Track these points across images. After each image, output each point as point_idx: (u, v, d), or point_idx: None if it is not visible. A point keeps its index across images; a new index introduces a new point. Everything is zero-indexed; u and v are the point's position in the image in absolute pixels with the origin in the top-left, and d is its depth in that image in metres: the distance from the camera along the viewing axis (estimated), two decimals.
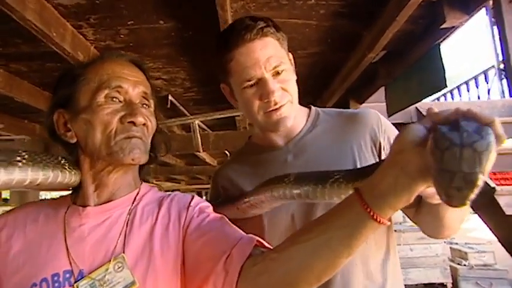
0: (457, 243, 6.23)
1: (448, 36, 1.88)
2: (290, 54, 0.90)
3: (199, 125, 3.27)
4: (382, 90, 2.59)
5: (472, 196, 0.40)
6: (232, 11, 1.51)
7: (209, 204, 0.79)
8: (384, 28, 1.57)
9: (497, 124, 0.42)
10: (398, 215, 6.67)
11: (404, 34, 1.91)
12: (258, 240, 0.65)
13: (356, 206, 0.51)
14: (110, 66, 0.73)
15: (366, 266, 0.85)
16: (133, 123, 0.69)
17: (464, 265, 5.40)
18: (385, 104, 2.58)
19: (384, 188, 0.49)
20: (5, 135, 3.51)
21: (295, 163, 0.90)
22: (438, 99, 6.24)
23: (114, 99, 0.70)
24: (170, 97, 2.76)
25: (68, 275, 0.65)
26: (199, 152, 2.92)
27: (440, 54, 1.89)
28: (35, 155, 0.63)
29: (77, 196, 0.75)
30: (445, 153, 0.40)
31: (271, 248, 0.64)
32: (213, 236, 0.67)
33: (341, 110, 0.99)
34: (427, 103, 4.24)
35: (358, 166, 0.87)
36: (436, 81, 1.90)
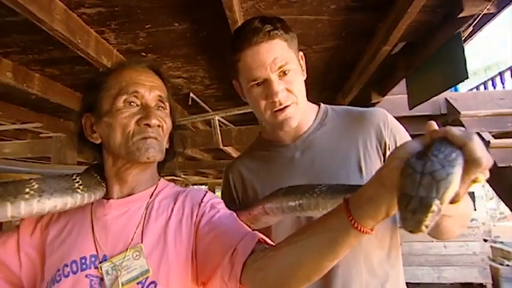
0: (502, 242, 5.90)
1: (482, 23, 1.76)
2: (300, 53, 0.91)
3: (221, 121, 3.35)
4: (405, 82, 2.52)
5: (427, 222, 0.39)
6: (243, 10, 1.54)
7: (221, 200, 0.83)
8: (396, 20, 1.54)
9: (471, 147, 0.42)
10: None
11: (422, 24, 1.86)
12: (261, 237, 0.69)
13: (342, 213, 0.53)
14: (128, 73, 0.79)
15: (368, 261, 0.85)
16: (148, 125, 0.75)
17: (507, 265, 5.12)
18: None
19: (366, 199, 0.51)
20: (45, 133, 3.80)
21: (302, 160, 0.92)
22: (477, 88, 5.87)
23: (132, 103, 0.76)
24: (191, 94, 2.86)
25: (93, 259, 0.73)
26: (219, 147, 3.00)
27: (461, 43, 1.82)
28: (85, 179, 0.75)
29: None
30: (407, 179, 0.42)
31: (273, 244, 0.68)
32: (221, 231, 0.72)
33: (350, 108, 0.99)
34: (459, 93, 4.04)
35: (363, 164, 0.87)
36: (457, 72, 1.83)
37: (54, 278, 0.72)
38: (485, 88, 5.69)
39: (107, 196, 0.81)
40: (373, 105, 2.94)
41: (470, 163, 0.42)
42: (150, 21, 1.62)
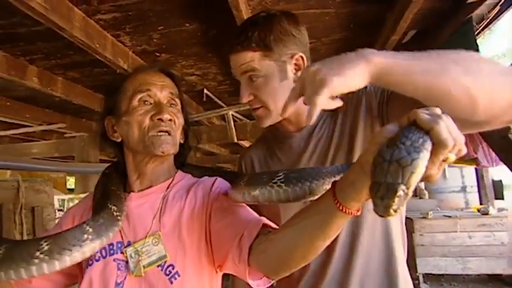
0: None
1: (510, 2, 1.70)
2: (296, 56, 0.89)
3: (236, 116, 3.42)
4: None
5: (394, 206, 0.42)
6: (250, 8, 1.59)
7: (229, 185, 0.87)
8: (403, 10, 1.54)
9: (436, 130, 0.44)
10: (460, 201, 6.16)
11: (432, 12, 1.84)
12: (265, 222, 0.75)
13: (329, 196, 0.57)
14: (142, 76, 0.88)
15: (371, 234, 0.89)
16: (161, 119, 0.83)
17: None
18: None
19: (348, 183, 0.55)
20: (69, 133, 3.99)
21: (306, 149, 0.95)
22: None
23: (146, 102, 0.84)
24: (205, 91, 2.94)
25: (119, 245, 0.82)
26: (234, 141, 3.07)
27: (473, 29, 1.80)
28: (97, 224, 0.72)
29: (126, 184, 0.92)
30: (377, 168, 0.45)
31: (277, 228, 0.74)
32: (230, 219, 0.78)
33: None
34: None
35: (358, 145, 0.88)
36: None
37: (88, 263, 0.82)
38: None
39: (129, 189, 0.90)
40: None
41: (437, 145, 0.44)
42: (162, 23, 1.69)
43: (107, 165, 0.99)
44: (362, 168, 0.52)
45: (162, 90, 0.86)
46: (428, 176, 0.46)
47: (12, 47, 1.84)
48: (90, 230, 0.68)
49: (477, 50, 1.77)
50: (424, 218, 5.03)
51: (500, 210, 5.61)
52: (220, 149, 6.06)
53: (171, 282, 0.77)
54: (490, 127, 0.62)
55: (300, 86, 0.62)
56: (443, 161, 0.46)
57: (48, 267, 0.63)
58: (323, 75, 0.57)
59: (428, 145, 0.44)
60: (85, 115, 3.56)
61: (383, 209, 0.43)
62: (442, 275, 5.09)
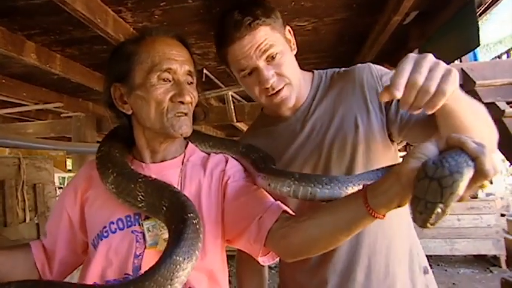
0: None
1: None
2: (287, 27, 0.91)
3: (235, 97, 3.41)
4: (418, 52, 2.50)
5: (431, 221, 0.47)
6: None
7: (241, 168, 0.90)
8: None
9: (482, 160, 0.47)
10: None
11: None
12: (285, 208, 0.78)
13: (359, 199, 0.61)
14: (160, 46, 0.81)
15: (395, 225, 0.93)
16: (182, 102, 0.80)
17: None
18: None
19: (381, 191, 0.58)
20: (65, 113, 3.95)
21: (303, 131, 0.95)
22: (499, 57, 5.66)
23: (165, 79, 0.80)
24: (205, 70, 2.91)
25: (137, 217, 0.81)
26: (233, 122, 3.08)
27: (475, 10, 1.80)
28: None
29: (136, 152, 0.90)
30: (418, 184, 0.48)
31: (294, 215, 0.78)
32: (247, 199, 0.80)
33: (337, 69, 1.00)
34: (476, 63, 3.91)
35: (359, 121, 0.90)
36: (468, 39, 1.82)
37: (102, 234, 0.80)
38: (508, 56, 5.47)
39: (139, 159, 0.88)
40: None
41: (479, 173, 0.47)
42: None
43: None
44: (398, 180, 0.55)
45: (181, 67, 0.81)
46: (461, 197, 0.48)
47: (10, 21, 1.79)
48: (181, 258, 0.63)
49: (478, 31, 1.78)
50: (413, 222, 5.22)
51: (488, 194, 5.83)
52: (216, 131, 6.05)
53: None
54: None
55: None
56: (479, 186, 0.49)
57: None
58: None
59: (471, 171, 0.46)
60: (82, 95, 3.50)
61: (420, 222, 0.48)
62: (430, 256, 5.28)
